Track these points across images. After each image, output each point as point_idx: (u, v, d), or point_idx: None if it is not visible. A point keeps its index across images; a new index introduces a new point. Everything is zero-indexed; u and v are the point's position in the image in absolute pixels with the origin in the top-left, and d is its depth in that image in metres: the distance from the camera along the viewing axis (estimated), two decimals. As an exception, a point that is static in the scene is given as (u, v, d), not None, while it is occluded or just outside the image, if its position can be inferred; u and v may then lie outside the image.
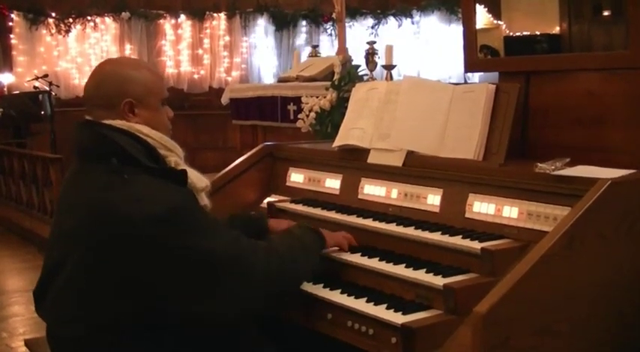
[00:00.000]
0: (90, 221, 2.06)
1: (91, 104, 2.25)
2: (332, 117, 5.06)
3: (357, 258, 2.49)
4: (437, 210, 2.56)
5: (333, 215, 2.78)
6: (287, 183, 3.24)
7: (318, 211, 2.86)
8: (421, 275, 2.26)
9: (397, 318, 2.11)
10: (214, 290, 2.08)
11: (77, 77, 11.16)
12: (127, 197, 2.02)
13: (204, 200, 2.27)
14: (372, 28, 11.74)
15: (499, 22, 3.06)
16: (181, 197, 2.10)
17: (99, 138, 2.15)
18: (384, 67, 6.61)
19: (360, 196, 2.86)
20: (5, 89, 10.89)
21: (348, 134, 2.93)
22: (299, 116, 5.65)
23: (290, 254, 2.31)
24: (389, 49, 6.65)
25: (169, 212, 2.02)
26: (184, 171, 2.19)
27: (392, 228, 2.54)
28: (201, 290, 2.07)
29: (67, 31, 11.13)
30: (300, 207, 2.95)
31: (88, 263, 2.05)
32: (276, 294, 2.28)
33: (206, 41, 11.72)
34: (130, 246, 2.00)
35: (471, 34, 2.98)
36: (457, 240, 2.32)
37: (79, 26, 11.20)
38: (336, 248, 2.56)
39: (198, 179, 2.25)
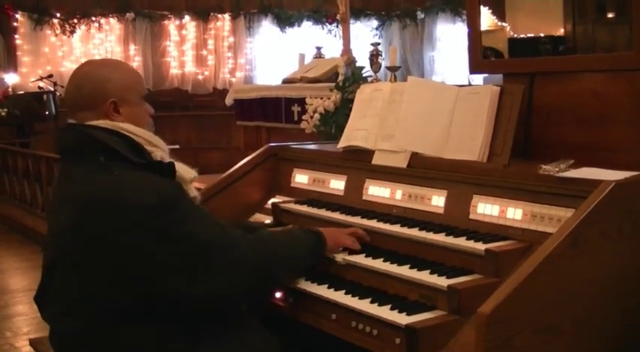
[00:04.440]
0: (81, 214, 2.09)
1: (74, 106, 2.28)
2: (336, 119, 5.05)
3: (361, 259, 2.49)
4: (441, 211, 2.56)
5: (337, 216, 2.78)
6: (291, 184, 3.25)
7: (322, 212, 2.86)
8: (425, 276, 2.26)
9: (401, 319, 2.11)
10: (201, 274, 2.11)
11: (81, 77, 11.18)
12: (117, 188, 2.07)
13: (193, 191, 2.32)
14: (377, 29, 11.76)
15: (503, 23, 3.07)
16: (171, 187, 2.14)
17: (84, 138, 2.18)
18: (389, 68, 6.61)
19: (364, 197, 2.86)
20: (10, 89, 10.92)
21: (353, 135, 2.93)
22: (303, 117, 5.63)
23: (274, 247, 2.33)
24: (393, 51, 6.65)
25: (160, 200, 2.06)
26: (172, 164, 2.23)
27: (396, 228, 2.54)
28: (190, 275, 2.10)
29: (72, 32, 11.19)
30: (304, 208, 2.95)
31: (82, 256, 2.08)
32: (254, 284, 2.28)
33: (210, 42, 11.75)
34: (122, 235, 2.03)
35: (475, 35, 2.99)
36: (461, 241, 2.33)
37: (83, 26, 11.25)
38: (341, 249, 2.55)
39: (185, 171, 2.29)
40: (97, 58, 11.10)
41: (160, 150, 2.28)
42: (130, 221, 2.03)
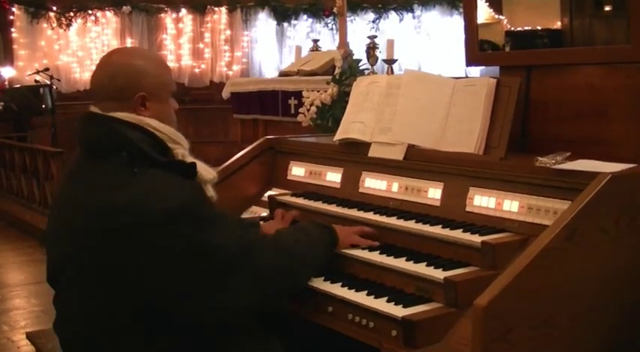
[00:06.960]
0: (100, 220, 2.03)
1: (103, 95, 2.22)
2: (333, 112, 5.04)
3: (357, 252, 2.49)
4: (438, 203, 2.56)
5: (333, 208, 2.78)
6: (288, 177, 3.25)
7: (318, 205, 2.86)
8: (422, 269, 2.26)
9: (398, 311, 2.11)
10: (225, 284, 2.08)
11: (78, 71, 11.19)
12: (137, 195, 2.01)
13: (211, 191, 2.28)
14: (373, 22, 11.74)
15: (500, 16, 3.06)
16: (192, 192, 2.10)
17: (108, 132, 2.14)
18: (385, 61, 6.60)
19: (360, 190, 2.87)
20: (6, 83, 10.89)
21: (349, 128, 2.93)
22: (300, 110, 5.63)
23: (295, 249, 2.30)
24: (390, 44, 6.65)
25: (180, 208, 2.02)
26: (194, 164, 2.19)
27: (393, 221, 2.54)
28: (213, 285, 2.07)
29: (68, 25, 11.15)
30: (300, 201, 2.95)
31: (97, 261, 2.04)
32: (282, 289, 2.28)
33: (207, 35, 11.73)
34: (142, 245, 1.99)
35: (472, 28, 2.98)
36: (458, 234, 2.33)
37: (80, 20, 11.21)
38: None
39: (205, 171, 2.26)
40: (94, 51, 11.13)
41: (182, 147, 2.24)
42: (147, 230, 1.99)
